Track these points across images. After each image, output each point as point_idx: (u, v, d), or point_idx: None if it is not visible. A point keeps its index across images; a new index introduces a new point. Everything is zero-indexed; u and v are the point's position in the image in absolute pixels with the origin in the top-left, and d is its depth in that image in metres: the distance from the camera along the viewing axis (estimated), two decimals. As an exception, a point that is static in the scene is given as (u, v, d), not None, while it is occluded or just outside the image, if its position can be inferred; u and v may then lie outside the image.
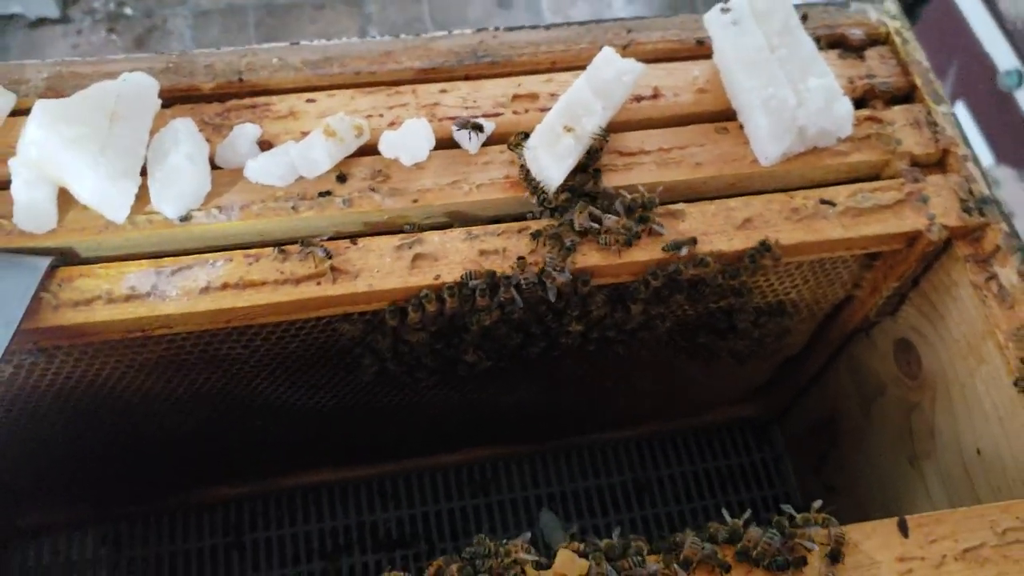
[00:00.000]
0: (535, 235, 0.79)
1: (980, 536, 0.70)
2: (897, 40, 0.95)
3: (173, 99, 0.84)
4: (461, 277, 0.77)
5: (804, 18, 0.91)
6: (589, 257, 0.79)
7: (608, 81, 0.84)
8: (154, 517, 1.11)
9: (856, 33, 0.94)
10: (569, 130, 0.81)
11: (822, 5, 0.96)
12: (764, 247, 0.81)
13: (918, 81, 0.92)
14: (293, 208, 0.79)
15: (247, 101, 0.84)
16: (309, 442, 1.03)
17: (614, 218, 0.79)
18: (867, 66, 0.93)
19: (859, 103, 0.92)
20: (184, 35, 2.76)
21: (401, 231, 0.80)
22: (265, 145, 0.82)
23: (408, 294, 0.77)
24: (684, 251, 0.79)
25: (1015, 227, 0.86)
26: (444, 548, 1.14)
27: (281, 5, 2.84)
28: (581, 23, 0.93)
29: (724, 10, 0.89)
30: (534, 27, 0.92)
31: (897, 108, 0.91)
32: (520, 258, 0.78)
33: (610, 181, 0.84)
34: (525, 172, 0.81)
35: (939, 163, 0.90)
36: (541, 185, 0.81)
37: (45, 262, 0.67)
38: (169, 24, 2.78)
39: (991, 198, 0.87)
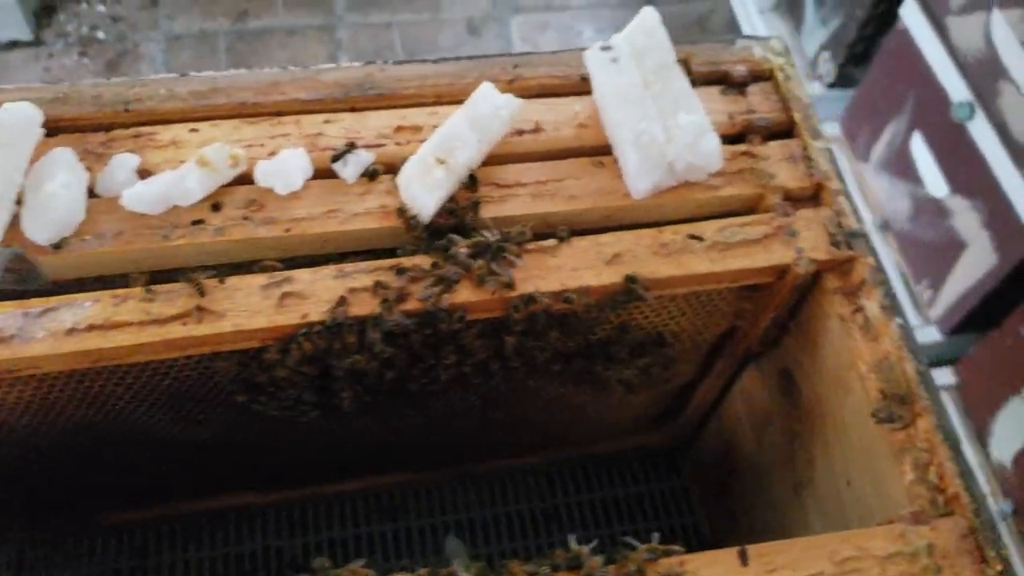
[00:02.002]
0: (399, 271, 0.80)
1: (818, 565, 0.72)
2: (780, 76, 0.97)
3: (59, 129, 0.86)
4: (326, 319, 0.78)
5: (685, 59, 0.93)
6: (459, 294, 0.81)
7: (485, 115, 0.86)
8: (58, 540, 1.12)
9: (739, 70, 0.96)
10: (442, 162, 0.83)
11: (708, 43, 0.99)
12: (631, 282, 0.83)
13: (797, 117, 0.94)
14: (165, 236, 0.81)
15: (132, 131, 0.86)
16: (207, 469, 1.05)
17: (474, 259, 0.81)
18: (748, 102, 0.95)
19: (738, 138, 0.94)
20: (156, 59, 2.80)
21: (269, 269, 0.81)
22: (145, 174, 0.84)
23: (275, 334, 0.78)
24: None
25: (881, 261, 0.88)
26: None
27: (252, 31, 2.88)
28: (469, 57, 0.95)
29: (604, 48, 0.92)
30: (423, 61, 0.94)
31: (774, 143, 0.93)
32: (384, 301, 0.79)
33: (486, 213, 0.86)
34: (400, 204, 0.83)
35: (813, 197, 0.92)
36: (414, 216, 0.83)
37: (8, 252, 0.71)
38: (141, 48, 2.82)
39: (860, 232, 0.89)
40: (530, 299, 0.81)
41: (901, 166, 2.50)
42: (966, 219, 2.31)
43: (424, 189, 0.82)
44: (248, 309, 0.78)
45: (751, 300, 0.94)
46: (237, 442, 1.00)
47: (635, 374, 0.99)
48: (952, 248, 2.37)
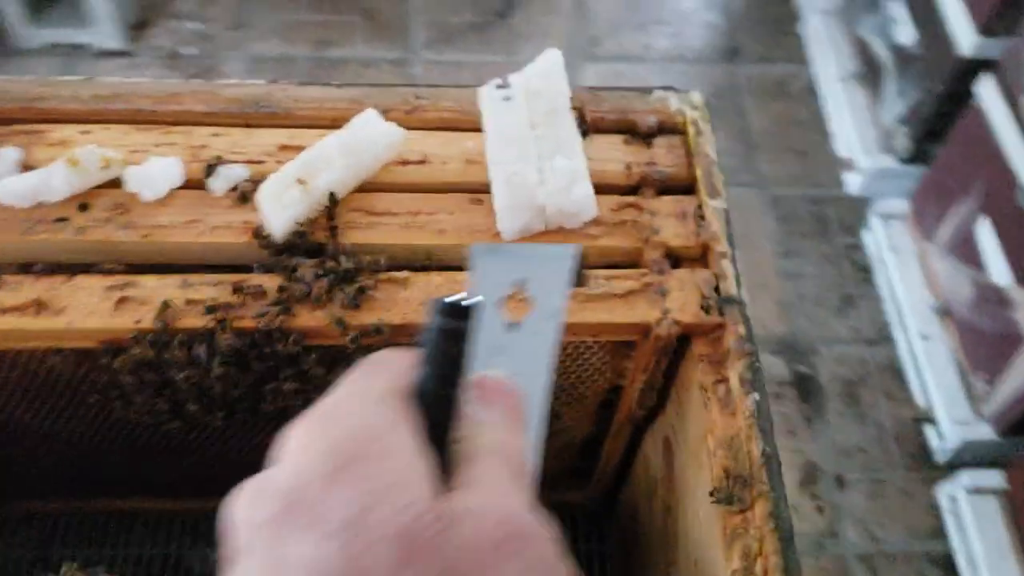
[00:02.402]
0: (239, 289, 0.80)
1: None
2: (691, 131, 0.93)
3: (-39, 119, 0.90)
4: (155, 327, 0.78)
5: (579, 105, 0.91)
6: (299, 317, 0.80)
7: (360, 141, 0.86)
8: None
9: (648, 120, 0.93)
10: (301, 183, 0.83)
11: (622, 90, 0.96)
12: None
13: (699, 173, 0.90)
14: (28, 230, 0.83)
15: (28, 127, 0.90)
16: (105, 470, 1.06)
17: (322, 279, 0.80)
18: (651, 153, 0.92)
19: (634, 189, 0.91)
20: (237, 78, 2.91)
21: (108, 272, 0.82)
22: (28, 168, 0.87)
23: (107, 336, 0.79)
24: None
25: (752, 331, 0.83)
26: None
27: (330, 59, 2.98)
28: (374, 85, 0.95)
29: (500, 86, 0.90)
30: (326, 84, 0.95)
31: (667, 198, 0.89)
32: (221, 320, 0.78)
33: (349, 238, 0.85)
34: (256, 221, 0.84)
35: (701, 258, 0.87)
36: (267, 234, 0.83)
37: (572, 249, 0.60)
38: (224, 67, 2.95)
39: (737, 299, 0.84)
40: (375, 330, 0.80)
41: (966, 250, 2.37)
42: (1029, 312, 2.17)
43: (277, 207, 0.82)
44: (86, 309, 0.79)
45: (630, 359, 0.90)
46: (127, 446, 1.01)
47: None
48: (1013, 341, 2.22)
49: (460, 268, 0.85)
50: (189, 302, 0.80)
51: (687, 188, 0.91)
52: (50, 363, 0.84)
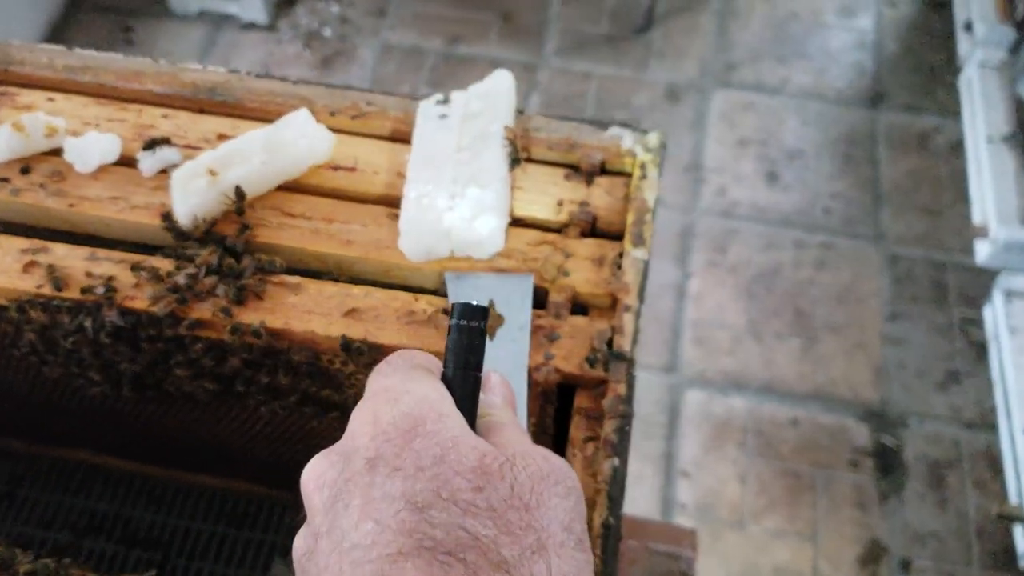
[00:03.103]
0: (137, 268, 0.81)
1: None
2: (636, 173, 0.88)
3: (-59, 74, 0.96)
4: (46, 292, 0.80)
5: (512, 134, 0.87)
6: (191, 307, 0.81)
7: (283, 141, 0.86)
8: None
9: (594, 157, 0.88)
10: (212, 174, 0.84)
11: (576, 122, 0.92)
12: (344, 344, 0.78)
13: (630, 219, 0.85)
14: (-31, 185, 0.87)
15: (1, 88, 0.94)
16: (56, 421, 1.11)
17: (213, 274, 0.80)
18: (587, 192, 0.87)
19: (562, 227, 0.87)
20: (366, 65, 2.99)
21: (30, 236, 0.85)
22: (-11, 127, 0.91)
23: (11, 296, 0.82)
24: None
25: (634, 393, 0.77)
26: (175, 565, 1.17)
27: (459, 55, 3.01)
28: (328, 85, 0.95)
29: (440, 102, 0.88)
30: (284, 79, 0.95)
31: (590, 241, 0.85)
32: (108, 295, 0.80)
33: (258, 236, 0.85)
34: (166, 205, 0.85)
35: (611, 307, 0.82)
36: (173, 220, 0.84)
37: (530, 275, 0.81)
38: (358, 52, 3.03)
39: (627, 356, 0.79)
40: (253, 332, 0.79)
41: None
42: None
43: (182, 194, 0.83)
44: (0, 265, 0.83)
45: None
46: (70, 402, 1.05)
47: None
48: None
49: (383, 284, 0.83)
50: (88, 275, 0.82)
51: (616, 234, 0.86)
52: None
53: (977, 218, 2.67)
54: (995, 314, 2.49)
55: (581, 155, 0.89)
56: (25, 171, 0.88)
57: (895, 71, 2.99)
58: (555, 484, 0.41)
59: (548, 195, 0.87)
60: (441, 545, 0.37)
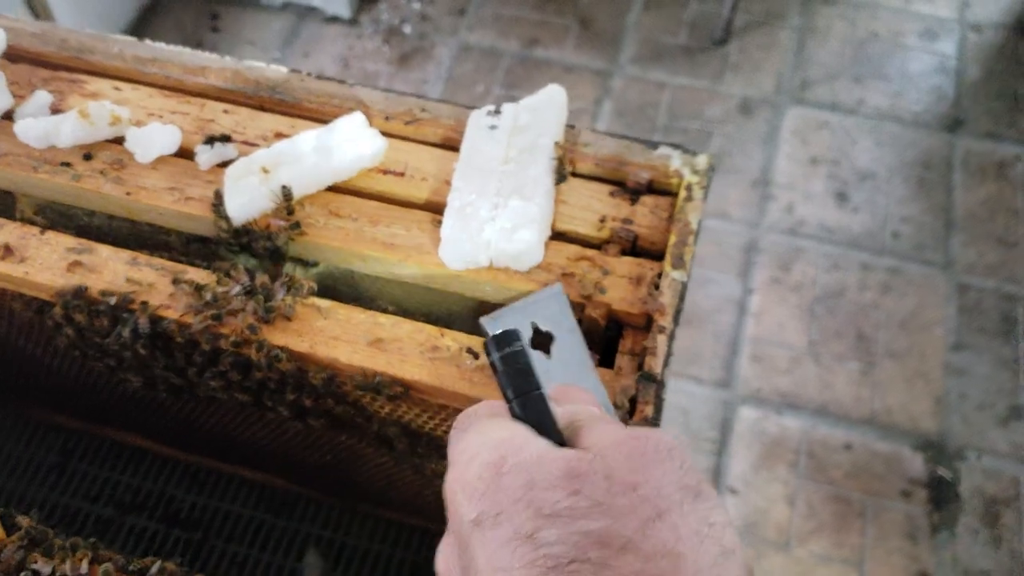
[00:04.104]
0: (176, 281, 0.83)
1: None
2: (683, 195, 0.88)
3: (20, 57, 0.99)
4: (74, 294, 0.83)
5: (562, 149, 0.88)
6: (225, 323, 0.82)
7: (335, 142, 0.87)
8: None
9: (641, 176, 0.88)
10: (264, 171, 0.86)
11: (629, 140, 0.91)
12: (361, 384, 0.80)
13: (672, 240, 0.85)
14: (34, 168, 0.91)
15: (72, 76, 0.98)
16: (104, 404, 1.14)
17: (247, 295, 0.82)
18: (631, 211, 0.87)
19: (603, 243, 0.87)
20: (443, 63, 3.02)
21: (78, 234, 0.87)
22: (58, 113, 0.95)
23: (52, 293, 0.84)
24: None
25: (661, 414, 0.77)
26: (213, 546, 1.20)
27: (535, 58, 3.01)
28: (386, 90, 0.96)
29: (491, 112, 0.89)
30: (342, 82, 0.97)
31: (628, 259, 0.85)
32: (143, 302, 0.82)
33: (305, 234, 0.87)
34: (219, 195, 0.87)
35: (645, 327, 0.82)
36: (225, 215, 0.86)
37: (557, 285, 0.82)
38: (436, 50, 3.06)
39: (657, 378, 0.78)
40: (275, 357, 0.80)
41: None
42: None
43: (233, 191, 0.85)
44: (44, 263, 0.85)
45: None
46: (113, 388, 1.08)
47: (442, 472, 0.94)
48: None
49: (422, 287, 0.84)
50: (129, 280, 0.84)
51: (657, 254, 0.86)
52: (12, 305, 0.91)
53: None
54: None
55: (628, 173, 0.89)
56: (88, 157, 0.91)
57: (976, 97, 2.91)
58: (654, 453, 0.42)
59: (591, 211, 0.87)
60: (563, 557, 0.38)
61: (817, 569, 2.25)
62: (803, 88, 2.93)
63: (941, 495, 2.34)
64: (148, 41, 1.00)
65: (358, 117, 0.89)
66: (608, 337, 0.84)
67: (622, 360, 0.81)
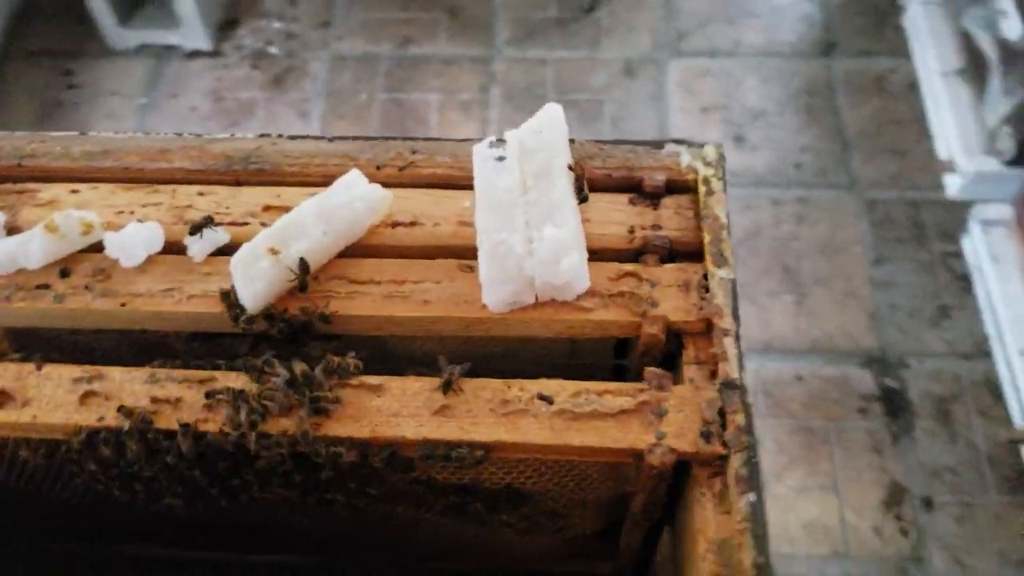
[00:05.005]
0: (208, 395, 0.76)
1: None
2: (702, 190, 0.86)
3: (-50, 177, 0.89)
4: (101, 426, 0.76)
5: (578, 163, 0.84)
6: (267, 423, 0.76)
7: (337, 206, 0.82)
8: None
9: (656, 178, 0.86)
10: (274, 252, 0.79)
11: (631, 143, 0.89)
12: (428, 450, 0.75)
13: (707, 238, 0.83)
14: (7, 298, 0.82)
15: (19, 186, 0.89)
16: (116, 522, 1.05)
17: (291, 391, 0.76)
18: (656, 215, 0.85)
19: (636, 254, 0.84)
20: (319, 78, 2.92)
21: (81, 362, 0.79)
22: (15, 231, 0.85)
23: (71, 431, 0.77)
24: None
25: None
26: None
27: (411, 57, 2.94)
28: (367, 138, 0.91)
29: (494, 144, 0.84)
30: (319, 138, 0.91)
31: (670, 267, 0.82)
32: (184, 425, 0.75)
33: (329, 309, 0.81)
34: (228, 290, 0.80)
35: (704, 332, 0.80)
36: (239, 306, 0.80)
37: None
38: (309, 66, 2.95)
39: (738, 383, 0.76)
40: (331, 446, 0.75)
41: (1072, 261, 2.20)
42: None
43: (246, 279, 0.78)
44: (52, 401, 0.77)
45: (628, 468, 0.82)
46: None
47: (516, 519, 0.90)
48: (1123, 365, 2.05)
49: (463, 338, 0.80)
50: (154, 400, 0.77)
51: (694, 254, 0.84)
52: (18, 454, 0.82)
53: (943, 153, 2.71)
54: (975, 245, 2.53)
55: (642, 178, 0.86)
56: (65, 274, 0.83)
57: (843, 17, 3.00)
58: None
59: (617, 223, 0.84)
60: None
61: (798, 502, 2.30)
62: (679, 40, 2.96)
63: (894, 405, 2.42)
64: (93, 133, 0.92)
65: (355, 174, 0.83)
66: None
67: (691, 371, 0.78)
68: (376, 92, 2.86)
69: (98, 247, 0.84)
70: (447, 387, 0.76)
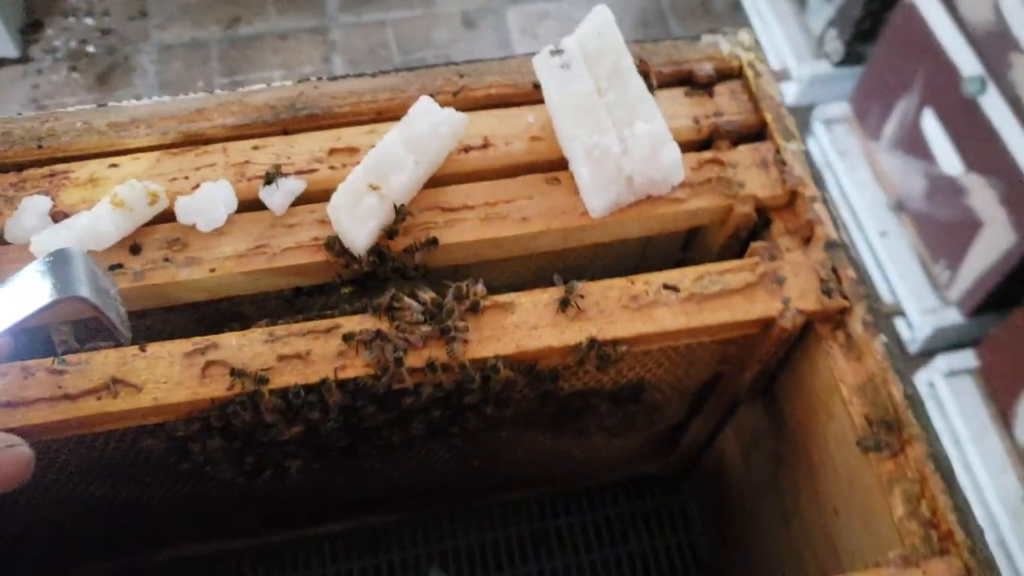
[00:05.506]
0: (347, 338, 0.73)
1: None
2: (750, 73, 0.89)
3: (-39, 171, 0.80)
4: (235, 396, 0.71)
5: (643, 61, 0.86)
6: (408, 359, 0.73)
7: (423, 134, 0.79)
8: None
9: (705, 68, 0.89)
10: (375, 188, 0.77)
11: (671, 40, 0.91)
12: (592, 347, 0.75)
13: (769, 117, 0.87)
14: (80, 284, 0.74)
15: (45, 170, 0.80)
16: (170, 524, 0.99)
17: (429, 323, 0.74)
18: (715, 103, 0.88)
19: (706, 143, 0.87)
20: (147, 71, 2.75)
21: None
22: (60, 216, 0.78)
23: (199, 407, 0.72)
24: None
25: (866, 269, 0.81)
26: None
27: (244, 37, 2.82)
28: (410, 69, 0.88)
29: (554, 52, 0.84)
30: (360, 75, 0.87)
31: (743, 148, 0.86)
32: (324, 379, 0.72)
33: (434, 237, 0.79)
34: (331, 236, 0.77)
35: (788, 205, 0.84)
36: (346, 250, 0.77)
37: None
38: (132, 60, 2.77)
39: (839, 242, 0.81)
40: (492, 368, 0.74)
41: (913, 144, 2.41)
42: (982, 197, 2.22)
43: (354, 220, 0.75)
44: (170, 380, 0.71)
45: (737, 346, 0.86)
46: (197, 499, 0.94)
47: (616, 421, 0.92)
48: (969, 227, 2.28)
49: (561, 252, 0.80)
50: (281, 357, 0.73)
51: (758, 134, 0.87)
52: (142, 444, 0.76)
53: (775, 64, 2.89)
54: (820, 144, 2.73)
55: (693, 70, 0.89)
56: (136, 250, 0.77)
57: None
58: None
59: (682, 117, 0.87)
60: None
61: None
62: (510, -14, 3.00)
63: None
64: (112, 103, 0.84)
65: (427, 101, 0.81)
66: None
67: (785, 243, 0.82)
68: (213, 77, 2.73)
69: (161, 218, 0.78)
70: (564, 304, 0.76)
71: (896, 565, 0.68)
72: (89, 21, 2.81)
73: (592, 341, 0.75)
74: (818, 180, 0.84)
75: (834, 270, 0.80)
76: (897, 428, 0.74)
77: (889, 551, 0.69)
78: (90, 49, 2.76)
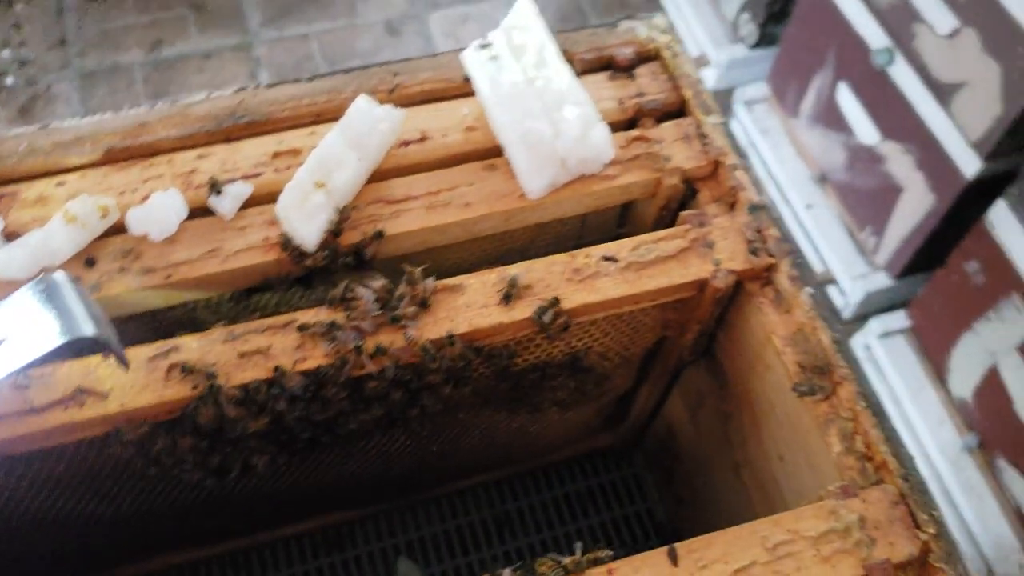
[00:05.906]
0: (302, 328, 0.76)
1: (751, 555, 0.70)
2: (667, 55, 0.94)
3: (-89, 198, 0.81)
4: (200, 394, 0.74)
5: (566, 49, 0.91)
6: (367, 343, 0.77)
7: (362, 131, 0.83)
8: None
9: (625, 52, 0.94)
10: (320, 186, 0.80)
11: (590, 28, 0.96)
12: (540, 314, 0.79)
13: (688, 94, 0.92)
14: (40, 299, 0.76)
15: (-6, 191, 0.82)
16: (135, 537, 1.00)
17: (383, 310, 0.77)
18: (637, 85, 0.93)
19: (631, 123, 0.92)
20: (71, 99, 2.73)
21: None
22: (12, 236, 0.79)
23: (165, 409, 0.74)
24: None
25: (787, 228, 0.86)
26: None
27: (167, 59, 2.81)
28: (346, 71, 0.92)
29: (482, 46, 0.89)
30: (296, 81, 0.91)
31: (667, 124, 0.91)
32: (277, 367, 0.75)
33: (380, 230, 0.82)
34: (282, 235, 0.80)
35: (712, 175, 0.89)
36: (297, 247, 0.80)
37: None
38: (54, 89, 2.75)
39: (760, 204, 0.87)
40: (448, 342, 0.77)
41: (831, 118, 2.50)
42: (899, 163, 2.31)
43: (303, 217, 0.78)
44: (135, 385, 0.74)
45: (676, 311, 0.90)
46: (164, 509, 0.96)
47: (567, 394, 0.96)
48: (890, 193, 2.37)
49: (502, 234, 0.84)
50: (242, 355, 0.76)
51: (679, 111, 0.92)
52: (111, 452, 0.78)
53: (694, 51, 2.97)
54: (743, 124, 2.81)
55: (613, 54, 0.93)
56: (91, 263, 0.79)
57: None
58: None
59: (606, 99, 0.91)
60: None
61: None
62: (432, -8, 3.03)
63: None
64: (54, 123, 0.86)
65: (365, 99, 0.84)
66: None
67: (711, 209, 0.87)
68: (139, 101, 2.71)
69: (111, 232, 0.81)
70: (507, 299, 0.80)
71: (837, 496, 0.73)
72: (6, 53, 2.78)
73: (541, 308, 0.79)
74: (742, 156, 0.89)
75: (759, 231, 0.85)
76: (828, 371, 0.79)
77: (830, 485, 0.74)
78: (8, 81, 2.73)
